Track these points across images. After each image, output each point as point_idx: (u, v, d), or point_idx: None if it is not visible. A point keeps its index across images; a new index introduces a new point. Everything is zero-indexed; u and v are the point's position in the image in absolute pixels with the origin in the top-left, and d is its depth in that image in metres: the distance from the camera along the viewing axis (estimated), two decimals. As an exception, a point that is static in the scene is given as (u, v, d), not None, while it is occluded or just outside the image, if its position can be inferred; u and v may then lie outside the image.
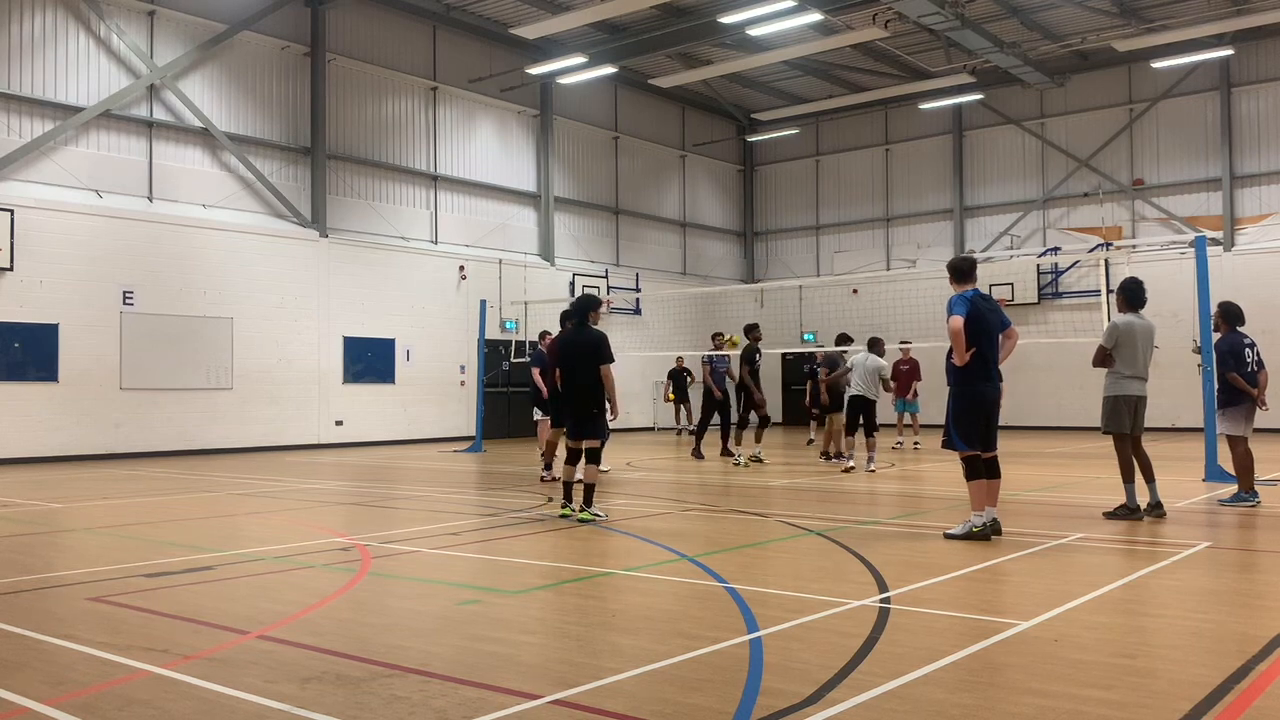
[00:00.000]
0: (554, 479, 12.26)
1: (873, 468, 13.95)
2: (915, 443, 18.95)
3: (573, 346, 9.39)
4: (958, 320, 7.67)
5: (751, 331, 15.85)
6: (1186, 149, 25.42)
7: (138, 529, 8.99)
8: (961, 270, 8.04)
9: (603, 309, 11.29)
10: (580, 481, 9.45)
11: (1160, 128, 25.81)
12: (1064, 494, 11.27)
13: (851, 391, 14.38)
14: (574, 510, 9.18)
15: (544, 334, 15.54)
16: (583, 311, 9.45)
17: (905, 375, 19.03)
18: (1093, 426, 18.03)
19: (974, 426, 7.82)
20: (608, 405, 9.29)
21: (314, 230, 21.09)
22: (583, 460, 9.36)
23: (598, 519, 9.08)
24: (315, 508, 10.80)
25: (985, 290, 8.18)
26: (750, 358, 15.42)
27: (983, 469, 7.81)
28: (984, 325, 7.78)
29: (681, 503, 10.72)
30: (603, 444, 9.33)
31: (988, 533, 7.66)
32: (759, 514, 9.63)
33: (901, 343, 19.08)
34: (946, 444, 7.95)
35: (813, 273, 30.81)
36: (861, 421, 14.30)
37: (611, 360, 9.26)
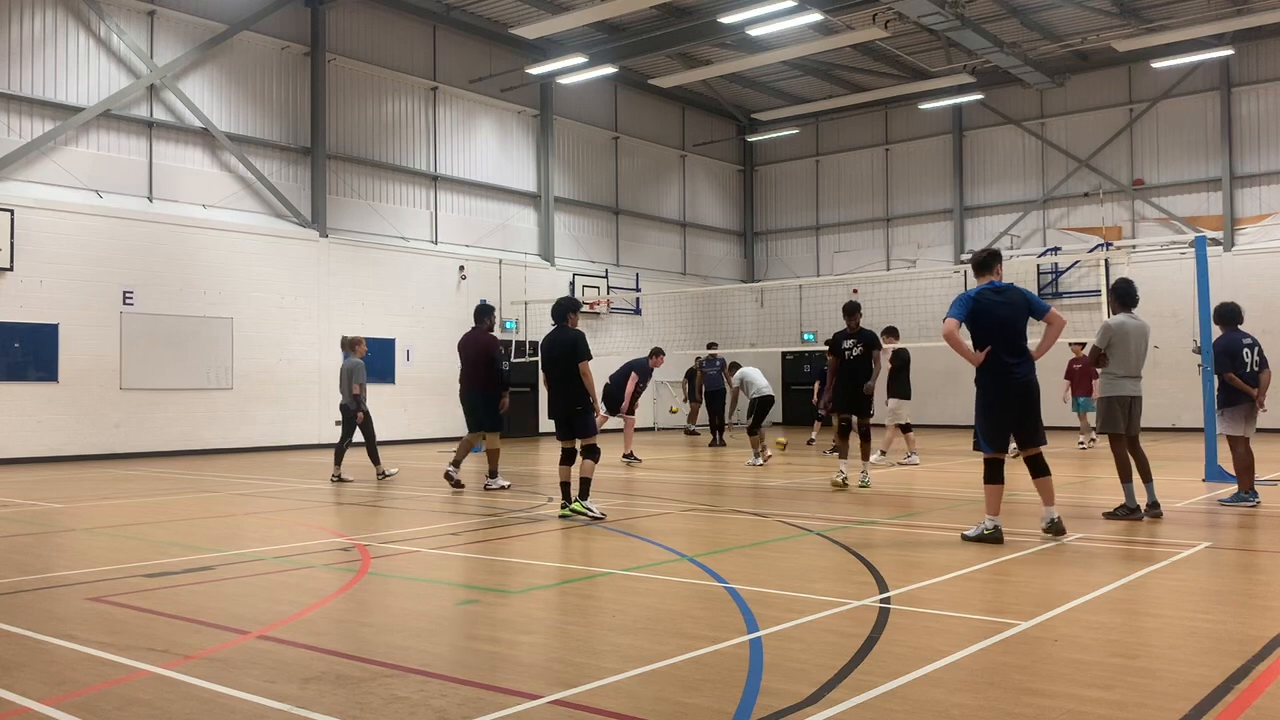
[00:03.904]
0: (458, 482, 11.99)
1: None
2: (1089, 440, 18.56)
3: (552, 348, 9.55)
4: (947, 325, 7.48)
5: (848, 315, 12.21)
6: (1186, 149, 25.42)
7: (138, 529, 8.99)
8: (975, 263, 7.88)
9: (584, 309, 11.83)
10: (572, 480, 9.44)
11: (1160, 128, 25.80)
12: (1064, 494, 11.23)
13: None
14: (586, 509, 9.16)
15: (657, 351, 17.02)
16: (563, 313, 9.63)
17: (1080, 373, 18.66)
18: (1092, 427, 18.04)
19: (995, 426, 7.65)
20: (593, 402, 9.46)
21: (314, 230, 21.09)
22: (579, 458, 9.37)
23: (590, 514, 9.08)
24: (315, 508, 10.80)
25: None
26: (835, 346, 12.14)
27: (1000, 473, 7.65)
28: (991, 319, 7.54)
29: (681, 503, 10.72)
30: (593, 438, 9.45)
31: (999, 536, 7.54)
32: (759, 514, 9.63)
33: (1071, 343, 18.60)
34: (975, 446, 7.86)
35: (813, 273, 30.81)
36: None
37: (588, 357, 9.36)
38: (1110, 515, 8.93)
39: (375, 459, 13.45)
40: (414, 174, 23.33)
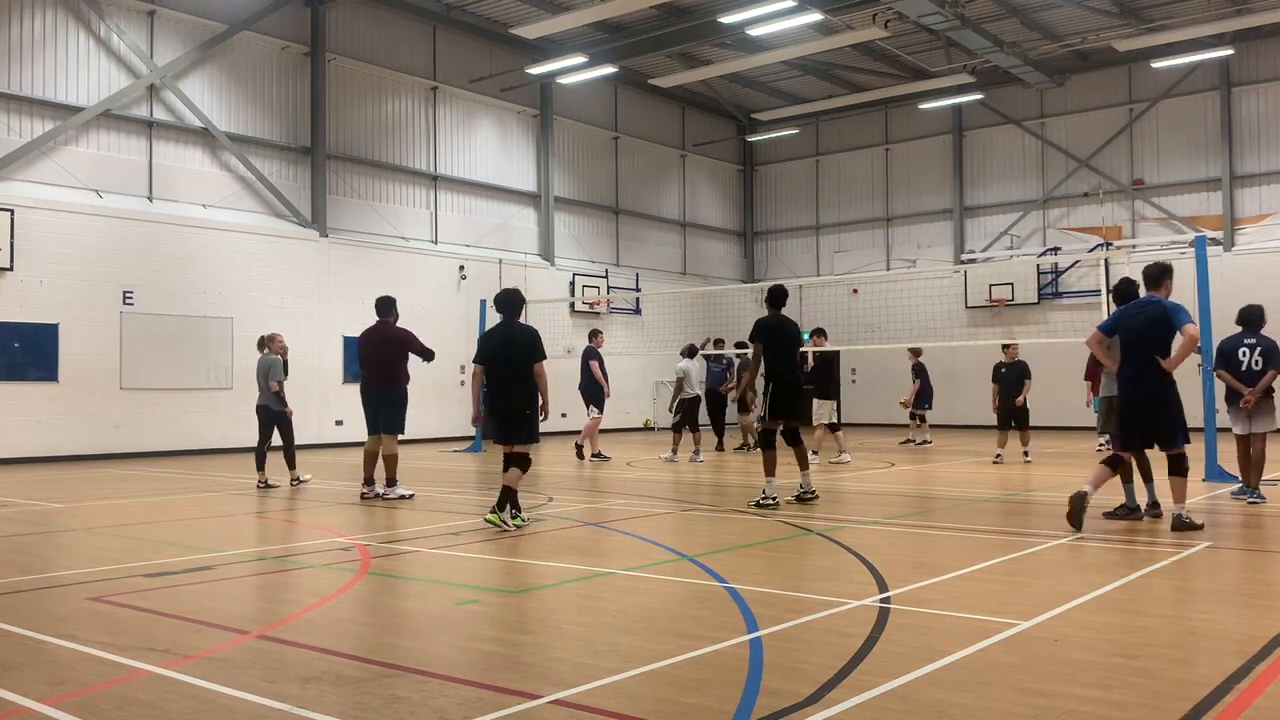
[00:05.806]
0: (376, 495, 11.07)
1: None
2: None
3: (503, 343, 8.73)
4: (1091, 334, 8.52)
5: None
6: (1186, 149, 25.42)
7: (138, 529, 8.99)
8: (1146, 278, 8.46)
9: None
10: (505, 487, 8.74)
11: (1160, 128, 25.80)
12: (1064, 494, 11.21)
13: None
14: (503, 522, 8.47)
15: (595, 332, 17.68)
16: (517, 306, 8.92)
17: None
18: (1092, 426, 18.05)
19: (1120, 425, 8.51)
20: (540, 406, 8.79)
21: (314, 230, 21.09)
22: (511, 466, 8.71)
23: (506, 527, 8.38)
24: (315, 508, 10.80)
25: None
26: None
27: (1120, 467, 8.50)
28: (1126, 332, 8.30)
29: (681, 503, 10.72)
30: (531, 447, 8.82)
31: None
32: (759, 514, 9.63)
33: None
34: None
35: (813, 273, 30.82)
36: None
37: (544, 358, 8.76)
38: (1110, 515, 8.94)
39: (291, 463, 12.92)
40: (414, 174, 23.33)
